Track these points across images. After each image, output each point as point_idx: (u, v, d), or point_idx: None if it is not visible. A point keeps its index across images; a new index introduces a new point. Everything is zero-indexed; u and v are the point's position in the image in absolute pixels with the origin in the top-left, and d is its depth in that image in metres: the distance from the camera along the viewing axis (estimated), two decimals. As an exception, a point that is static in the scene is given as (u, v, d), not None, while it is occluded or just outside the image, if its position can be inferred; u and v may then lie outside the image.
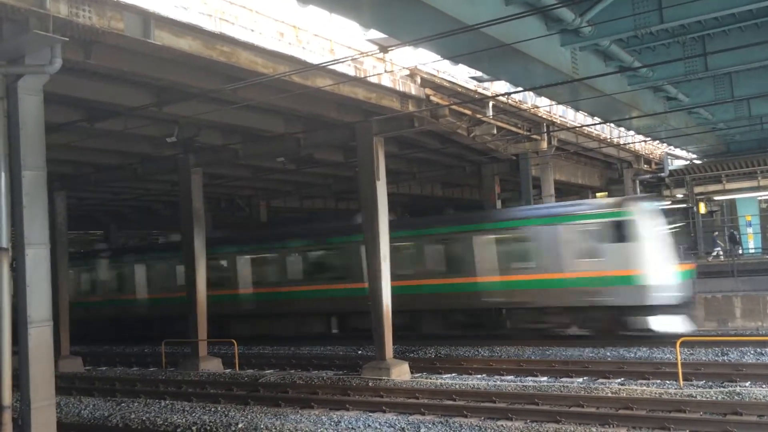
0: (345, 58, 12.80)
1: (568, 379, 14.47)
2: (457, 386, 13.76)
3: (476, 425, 10.88)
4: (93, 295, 28.17)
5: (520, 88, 15.56)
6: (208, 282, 18.98)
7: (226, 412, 12.93)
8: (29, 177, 8.99)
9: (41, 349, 9.02)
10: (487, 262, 19.52)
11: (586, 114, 21.21)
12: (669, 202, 23.41)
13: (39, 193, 9.13)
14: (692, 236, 30.75)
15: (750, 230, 32.13)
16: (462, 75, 16.83)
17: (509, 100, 18.99)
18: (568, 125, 22.80)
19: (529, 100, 20.15)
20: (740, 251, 29.78)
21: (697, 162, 32.55)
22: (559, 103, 19.34)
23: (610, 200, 20.81)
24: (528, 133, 21.72)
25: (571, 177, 28.78)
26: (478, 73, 16.13)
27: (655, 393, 11.94)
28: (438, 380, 14.83)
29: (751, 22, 13.48)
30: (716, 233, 32.93)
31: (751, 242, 32.05)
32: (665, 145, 29.34)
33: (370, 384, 14.49)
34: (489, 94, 17.89)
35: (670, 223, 18.09)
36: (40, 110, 9.22)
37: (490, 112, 18.34)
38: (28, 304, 8.86)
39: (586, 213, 18.28)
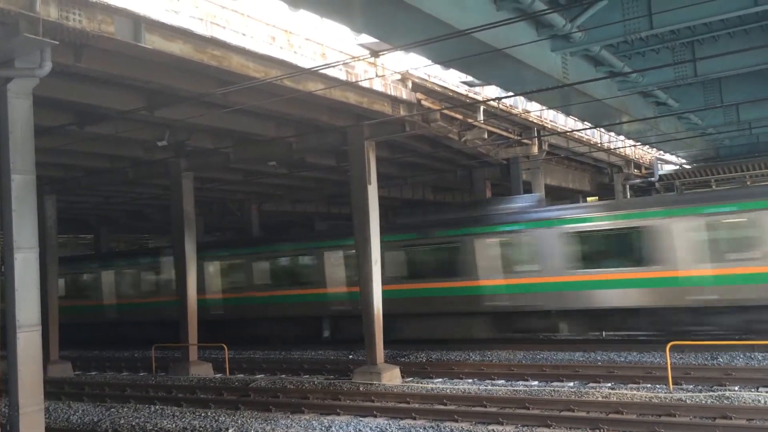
0: (336, 62, 12.81)
1: (559, 383, 14.50)
2: (448, 390, 13.76)
3: (467, 429, 10.89)
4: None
5: (511, 93, 15.62)
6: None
7: (216, 417, 12.88)
8: (18, 181, 8.96)
9: (30, 354, 8.98)
10: None
11: (576, 119, 21.31)
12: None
13: (28, 197, 9.09)
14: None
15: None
16: (453, 79, 16.90)
17: (500, 105, 19.04)
18: (558, 130, 22.89)
19: (519, 104, 20.24)
20: None
21: (687, 167, 32.69)
22: (549, 107, 19.40)
23: None
24: (519, 138, 21.79)
25: (562, 181, 28.90)
26: (469, 78, 16.17)
27: (645, 397, 11.98)
28: (429, 384, 14.83)
29: (740, 28, 13.59)
30: None
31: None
32: (655, 149, 29.51)
33: (361, 388, 14.46)
34: (480, 98, 17.94)
35: None
36: (29, 113, 9.19)
37: (481, 117, 18.38)
38: (17, 308, 8.82)
39: None
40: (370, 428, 11.36)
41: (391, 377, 15.35)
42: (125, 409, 14.30)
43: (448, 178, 26.28)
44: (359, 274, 16.01)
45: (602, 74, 14.62)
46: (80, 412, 14.32)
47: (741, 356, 15.56)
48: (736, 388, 12.69)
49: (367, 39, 11.92)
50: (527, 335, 19.47)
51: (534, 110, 20.64)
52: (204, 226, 29.36)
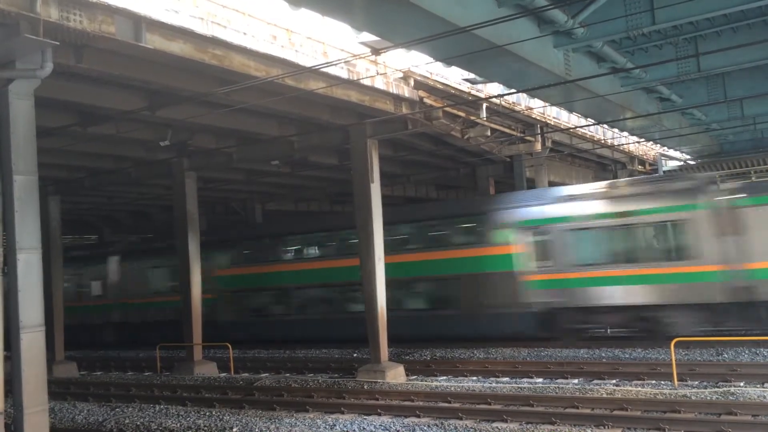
0: (338, 60, 12.79)
1: (564, 381, 14.47)
2: (452, 388, 13.75)
3: (471, 427, 10.86)
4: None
5: (513, 90, 15.57)
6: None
7: (220, 416, 12.89)
8: (21, 181, 8.98)
9: (34, 355, 9.00)
10: None
11: (579, 115, 21.24)
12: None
13: (31, 198, 9.11)
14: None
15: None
16: (455, 77, 16.86)
17: (503, 102, 19.00)
18: (562, 126, 22.82)
19: (522, 101, 20.17)
20: None
21: (691, 163, 32.59)
22: (552, 104, 19.37)
23: None
24: (522, 135, 21.74)
25: (566, 178, 28.78)
26: (472, 75, 16.14)
27: (650, 393, 11.95)
28: (433, 382, 14.82)
29: (743, 23, 13.52)
30: None
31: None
32: (659, 145, 29.39)
33: (365, 387, 14.46)
34: (482, 95, 17.90)
35: None
36: (31, 114, 9.21)
37: (484, 114, 18.35)
38: (20, 309, 8.84)
39: None
40: (375, 426, 11.35)
41: (396, 375, 15.35)
42: (130, 409, 14.33)
43: (451, 175, 26.21)
44: (362, 271, 15.98)
45: (605, 70, 14.57)
46: (85, 412, 14.34)
47: (746, 352, 15.51)
48: (742, 384, 12.65)
49: (369, 37, 11.92)
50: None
51: (537, 107, 20.59)
52: (207, 225, 29.33)
